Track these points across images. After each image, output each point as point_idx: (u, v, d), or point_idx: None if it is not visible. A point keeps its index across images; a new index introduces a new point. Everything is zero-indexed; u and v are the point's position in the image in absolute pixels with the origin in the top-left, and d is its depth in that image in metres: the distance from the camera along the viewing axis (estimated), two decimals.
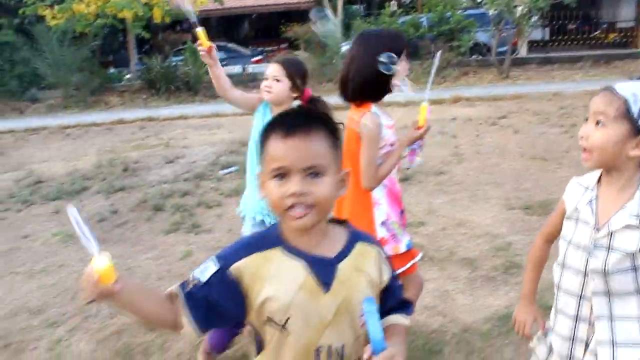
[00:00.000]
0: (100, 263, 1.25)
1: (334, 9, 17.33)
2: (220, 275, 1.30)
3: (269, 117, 3.05)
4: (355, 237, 1.40)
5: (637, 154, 1.56)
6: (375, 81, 2.44)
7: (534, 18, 15.65)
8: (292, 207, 1.25)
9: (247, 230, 3.10)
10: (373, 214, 2.50)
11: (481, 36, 16.75)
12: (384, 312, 1.43)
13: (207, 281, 1.30)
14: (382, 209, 2.52)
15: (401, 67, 2.44)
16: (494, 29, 15.70)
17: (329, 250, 1.35)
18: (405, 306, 1.51)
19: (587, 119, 1.65)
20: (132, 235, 5.13)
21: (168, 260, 4.49)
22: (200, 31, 2.98)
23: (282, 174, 1.26)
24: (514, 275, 3.80)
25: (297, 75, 2.93)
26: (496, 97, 11.65)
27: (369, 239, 1.47)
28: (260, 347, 1.40)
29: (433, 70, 2.50)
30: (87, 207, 6.01)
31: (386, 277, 1.43)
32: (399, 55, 2.43)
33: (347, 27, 17.65)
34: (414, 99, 2.46)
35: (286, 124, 1.27)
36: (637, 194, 1.60)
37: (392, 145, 2.49)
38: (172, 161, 7.70)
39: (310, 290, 1.30)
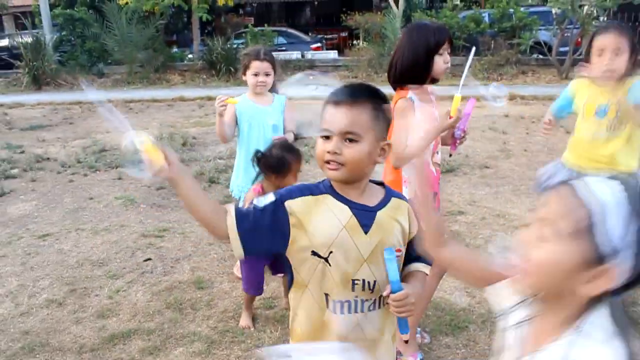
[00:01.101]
0: (142, 141, 1.47)
1: (396, 1, 17.36)
2: (276, 205, 1.55)
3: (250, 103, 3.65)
4: (390, 194, 1.68)
5: (588, 292, 1.06)
6: (413, 69, 2.65)
7: (600, 18, 15.29)
8: (328, 162, 1.54)
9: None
10: (402, 190, 2.71)
11: (543, 35, 16.44)
12: (408, 259, 1.70)
13: (263, 207, 1.55)
14: (411, 187, 2.72)
15: (441, 60, 2.63)
16: (557, 28, 15.43)
17: (370, 201, 1.61)
18: (427, 259, 1.72)
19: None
20: None
21: None
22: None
23: (326, 135, 1.54)
24: None
25: (277, 66, 3.69)
26: (552, 97, 11.41)
27: (401, 196, 1.73)
28: (291, 279, 1.66)
29: (467, 65, 2.66)
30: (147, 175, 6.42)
31: (414, 228, 1.67)
32: (439, 47, 2.62)
33: (407, 19, 17.65)
34: (460, 91, 2.64)
35: (340, 94, 1.56)
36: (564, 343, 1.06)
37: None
38: None
39: (352, 230, 1.56)
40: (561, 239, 1.04)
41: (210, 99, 12.25)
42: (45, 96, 13.63)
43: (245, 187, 3.75)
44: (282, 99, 3.77)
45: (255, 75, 3.61)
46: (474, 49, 2.91)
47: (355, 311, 1.61)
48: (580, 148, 3.08)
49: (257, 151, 3.09)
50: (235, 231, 1.52)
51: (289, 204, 1.56)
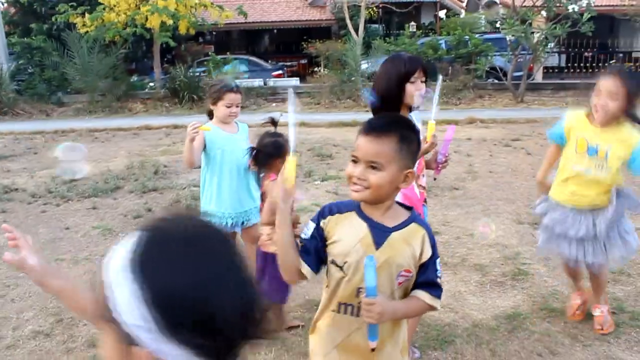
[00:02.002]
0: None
1: (356, 29, 17.77)
2: (316, 229, 1.81)
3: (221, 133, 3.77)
4: (412, 219, 1.84)
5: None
6: (387, 96, 2.85)
7: (550, 44, 16.00)
8: (354, 183, 1.75)
9: None
10: None
11: (498, 60, 17.10)
12: (415, 284, 1.84)
13: (311, 236, 1.81)
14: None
15: (412, 87, 2.80)
16: (511, 54, 16.07)
17: (390, 222, 1.80)
18: (433, 287, 1.86)
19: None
20: None
21: None
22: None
23: (355, 160, 1.74)
24: (521, 281, 4.14)
25: None
26: (510, 120, 12.00)
27: (423, 223, 1.90)
28: (327, 284, 1.91)
29: (436, 92, 2.82)
30: (123, 204, 6.43)
31: (426, 255, 1.82)
32: (409, 75, 2.80)
33: (367, 46, 18.08)
34: (433, 118, 2.82)
35: (371, 124, 1.77)
36: None
37: None
38: (199, 167, 8.06)
39: (366, 244, 1.76)
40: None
41: (176, 127, 12.28)
42: (4, 126, 13.40)
43: (219, 212, 3.84)
44: (245, 127, 3.96)
45: (228, 107, 3.76)
46: (440, 77, 3.04)
47: (357, 315, 1.81)
48: (565, 180, 3.25)
49: (251, 149, 3.33)
50: (307, 268, 1.82)
51: (324, 222, 1.81)
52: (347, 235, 1.78)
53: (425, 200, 3.03)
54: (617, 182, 3.12)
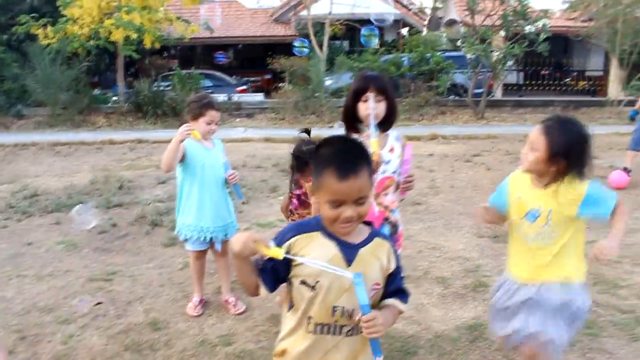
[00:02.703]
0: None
1: (320, 45, 17.97)
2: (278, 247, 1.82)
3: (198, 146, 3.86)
4: (375, 233, 1.93)
5: None
6: (345, 113, 2.97)
7: (509, 63, 16.50)
8: (345, 223, 1.78)
9: (192, 247, 4.03)
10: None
11: (459, 77, 17.55)
12: (385, 293, 1.95)
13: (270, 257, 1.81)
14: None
15: (363, 106, 2.87)
16: (471, 72, 16.49)
17: (355, 239, 1.87)
18: (402, 294, 1.98)
19: None
20: (133, 246, 5.51)
21: (168, 270, 4.88)
22: None
23: (338, 204, 1.76)
24: (482, 293, 4.28)
25: None
26: (471, 136, 12.32)
27: (385, 236, 2.02)
28: (290, 304, 1.93)
29: (371, 111, 2.82)
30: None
31: (392, 265, 1.93)
32: (360, 94, 2.88)
33: (331, 62, 18.31)
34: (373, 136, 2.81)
35: (341, 167, 1.74)
36: None
37: None
38: (164, 182, 8.06)
39: (336, 263, 1.80)
40: None
41: (140, 141, 12.21)
42: None
43: (199, 226, 3.92)
44: (220, 142, 4.08)
45: (209, 123, 3.84)
46: (372, 95, 2.85)
47: (334, 334, 1.88)
48: (518, 254, 2.75)
49: (293, 155, 3.58)
50: (264, 289, 1.88)
51: (287, 244, 1.83)
52: (316, 256, 1.79)
53: (386, 219, 3.02)
54: (571, 252, 2.61)
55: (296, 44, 16.04)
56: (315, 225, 1.86)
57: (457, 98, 17.58)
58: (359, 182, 1.74)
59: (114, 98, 18.40)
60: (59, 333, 3.85)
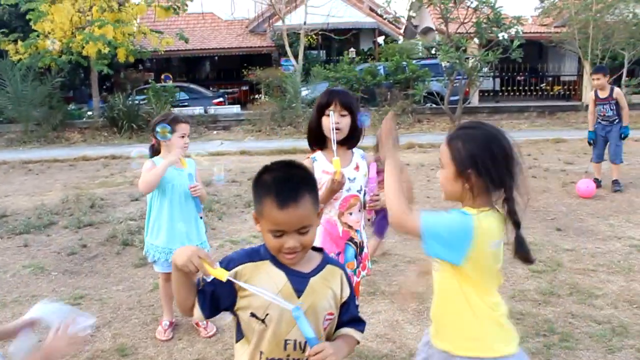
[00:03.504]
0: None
1: (296, 55, 17.95)
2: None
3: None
4: (326, 261, 1.84)
5: None
6: (309, 129, 2.91)
7: (484, 70, 16.59)
8: (287, 253, 1.69)
9: (161, 269, 3.94)
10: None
11: (435, 85, 17.62)
12: (339, 323, 1.87)
13: (212, 280, 1.69)
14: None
15: (326, 121, 2.80)
16: (447, 79, 16.57)
17: (305, 267, 1.78)
18: (358, 323, 1.91)
19: None
20: (103, 268, 5.37)
21: (138, 292, 4.75)
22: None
23: (279, 234, 1.68)
24: None
25: None
26: None
27: (337, 263, 1.93)
28: (239, 335, 1.82)
29: (332, 127, 2.75)
30: (57, 241, 6.21)
31: (345, 294, 1.84)
32: (323, 109, 2.82)
33: (307, 73, 18.29)
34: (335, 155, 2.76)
35: (280, 196, 1.65)
36: None
37: None
38: (137, 199, 7.93)
39: (286, 294, 1.71)
40: None
41: (114, 157, 12.04)
42: None
43: (167, 248, 3.83)
44: (193, 163, 3.97)
45: (182, 137, 3.77)
46: (332, 113, 2.77)
47: None
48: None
49: None
50: (200, 311, 1.74)
51: (234, 271, 1.72)
52: (264, 286, 1.69)
53: (350, 239, 2.92)
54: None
55: (283, 62, 15.70)
56: (264, 254, 1.77)
57: (433, 106, 17.64)
58: (300, 211, 1.65)
59: (89, 113, 18.18)
60: None
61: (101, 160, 11.97)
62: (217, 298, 1.73)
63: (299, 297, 1.73)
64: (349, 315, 1.86)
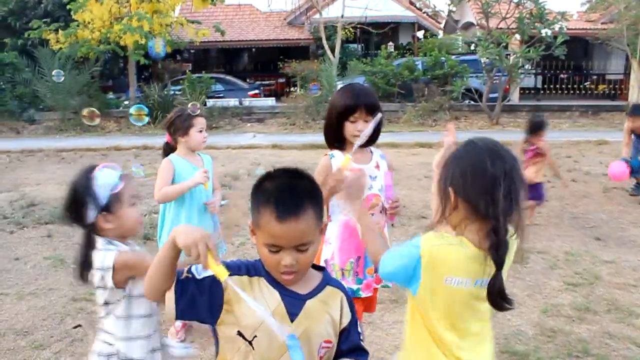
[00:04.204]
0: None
1: (332, 49, 17.75)
2: (214, 279, 1.50)
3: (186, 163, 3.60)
4: (326, 281, 1.64)
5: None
6: (327, 130, 2.70)
7: (525, 67, 16.11)
8: (284, 272, 1.51)
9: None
10: (321, 249, 2.69)
11: (474, 82, 17.19)
12: (338, 353, 1.65)
13: (201, 280, 1.51)
14: (329, 248, 2.71)
15: (351, 127, 2.60)
16: (486, 76, 16.13)
17: (303, 288, 1.58)
18: (359, 353, 1.68)
19: None
20: None
21: None
22: None
23: (275, 250, 1.50)
24: None
25: None
26: None
27: (338, 284, 1.71)
28: (217, 351, 1.63)
29: (369, 128, 2.40)
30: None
31: (346, 320, 1.64)
32: (351, 112, 2.59)
33: (343, 67, 18.05)
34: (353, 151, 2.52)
35: (280, 206, 1.47)
36: None
37: (348, 187, 2.66)
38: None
39: (279, 317, 1.51)
40: None
41: (146, 147, 12.06)
42: None
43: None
44: (209, 159, 3.83)
45: (201, 131, 3.62)
46: (379, 115, 2.50)
47: None
48: None
49: None
50: (172, 304, 1.52)
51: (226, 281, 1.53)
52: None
53: None
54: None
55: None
56: (260, 269, 1.58)
57: (471, 103, 17.22)
58: (301, 225, 1.48)
59: (125, 102, 18.35)
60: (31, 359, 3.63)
61: (132, 150, 12.00)
62: (195, 303, 1.52)
63: (292, 320, 1.54)
64: (349, 344, 1.65)
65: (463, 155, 1.77)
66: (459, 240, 1.73)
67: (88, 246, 2.12)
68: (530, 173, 5.97)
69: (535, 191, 5.92)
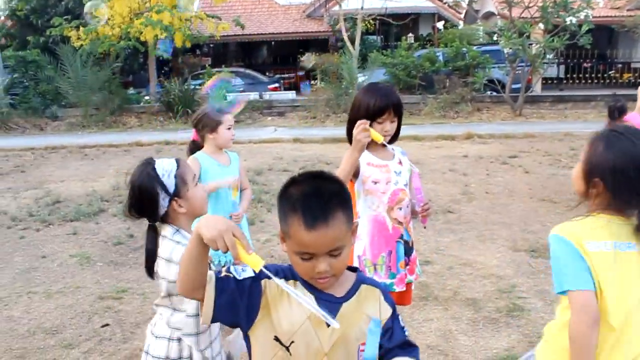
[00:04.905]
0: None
1: (353, 40, 17.61)
2: (253, 281, 1.47)
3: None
4: (360, 280, 1.58)
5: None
6: (350, 130, 2.60)
7: (549, 56, 15.84)
8: (319, 278, 1.46)
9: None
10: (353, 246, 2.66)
11: (496, 72, 16.93)
12: (386, 351, 1.55)
13: (241, 280, 1.47)
14: (360, 243, 2.72)
15: (379, 127, 2.60)
16: (509, 67, 15.89)
17: (338, 291, 1.52)
18: (409, 349, 1.60)
19: None
20: None
21: None
22: None
23: (308, 258, 1.44)
24: (517, 318, 3.90)
25: None
26: (508, 135, 11.79)
27: (372, 281, 1.65)
28: None
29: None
30: (105, 229, 6.19)
31: (386, 315, 1.57)
32: (380, 114, 2.60)
33: (364, 59, 17.91)
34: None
35: (308, 214, 1.41)
36: None
37: (374, 182, 2.68)
38: None
39: (315, 321, 1.46)
40: None
41: (167, 143, 12.10)
42: None
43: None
44: (236, 158, 3.76)
45: (229, 128, 3.57)
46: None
47: None
48: None
49: None
50: (212, 302, 1.46)
51: (265, 283, 1.48)
52: (292, 309, 1.48)
53: (400, 237, 2.74)
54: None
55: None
56: (295, 273, 1.52)
57: (494, 94, 16.98)
58: (331, 231, 1.41)
59: (146, 98, 18.43)
60: (61, 359, 3.63)
61: (154, 145, 12.03)
62: (236, 303, 1.46)
63: (328, 325, 1.44)
64: (396, 341, 1.56)
65: (622, 150, 1.77)
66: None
67: (155, 239, 2.16)
68: None
69: None
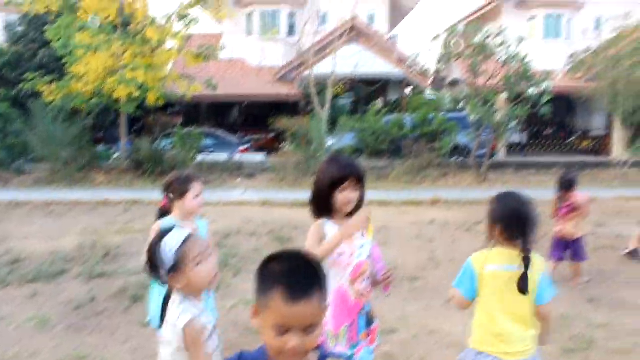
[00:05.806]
0: None
1: (322, 104, 17.97)
2: None
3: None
4: (324, 356, 1.62)
5: None
6: (316, 201, 2.79)
7: (512, 124, 16.38)
8: (290, 354, 1.49)
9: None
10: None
11: (462, 138, 17.41)
12: None
13: None
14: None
15: (341, 197, 2.71)
16: (474, 133, 16.37)
17: None
18: None
19: None
20: (109, 324, 5.15)
21: (143, 354, 4.52)
22: None
23: (285, 331, 1.48)
24: None
25: None
26: (473, 201, 11.99)
27: (335, 355, 1.69)
28: None
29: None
30: (66, 292, 6.04)
31: None
32: (338, 184, 2.70)
33: (333, 123, 18.23)
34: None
35: (292, 287, 1.48)
36: None
37: (339, 254, 2.74)
38: None
39: None
40: None
41: (135, 202, 11.98)
42: None
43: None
44: (204, 224, 3.78)
45: (197, 196, 3.58)
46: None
47: None
48: None
49: None
50: None
51: None
52: None
53: (362, 309, 2.79)
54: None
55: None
56: (261, 357, 1.56)
57: (460, 159, 17.39)
58: (312, 307, 1.48)
59: (115, 155, 18.32)
60: None
61: (122, 204, 11.90)
62: None
63: None
64: None
65: (507, 201, 2.87)
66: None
67: (167, 300, 2.33)
68: (570, 229, 6.22)
69: (578, 248, 6.25)
